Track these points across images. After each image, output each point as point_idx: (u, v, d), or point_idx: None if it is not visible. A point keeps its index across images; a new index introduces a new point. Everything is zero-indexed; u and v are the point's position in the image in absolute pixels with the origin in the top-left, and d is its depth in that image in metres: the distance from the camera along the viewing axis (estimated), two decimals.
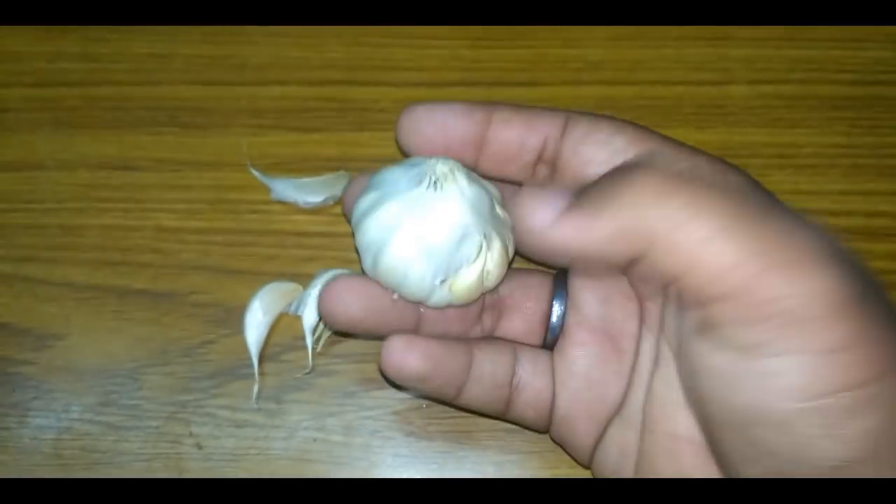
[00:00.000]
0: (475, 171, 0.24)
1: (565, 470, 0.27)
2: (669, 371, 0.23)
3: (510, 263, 0.24)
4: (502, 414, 0.25)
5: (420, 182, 0.22)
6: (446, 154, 0.23)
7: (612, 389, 0.24)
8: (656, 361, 0.23)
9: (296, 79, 0.32)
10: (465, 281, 0.23)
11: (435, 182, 0.22)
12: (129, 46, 0.32)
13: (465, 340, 0.25)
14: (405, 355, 0.23)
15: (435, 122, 0.23)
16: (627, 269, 0.20)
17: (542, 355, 0.25)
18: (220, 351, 0.29)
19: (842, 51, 0.32)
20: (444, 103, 0.23)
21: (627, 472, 0.24)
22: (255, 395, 0.28)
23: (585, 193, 0.20)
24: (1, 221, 0.30)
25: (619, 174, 0.20)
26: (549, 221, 0.20)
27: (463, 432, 0.28)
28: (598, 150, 0.23)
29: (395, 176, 0.23)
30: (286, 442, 0.28)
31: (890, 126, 0.31)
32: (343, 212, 0.26)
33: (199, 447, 0.28)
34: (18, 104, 0.31)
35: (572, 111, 0.24)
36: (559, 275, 0.26)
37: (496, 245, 0.23)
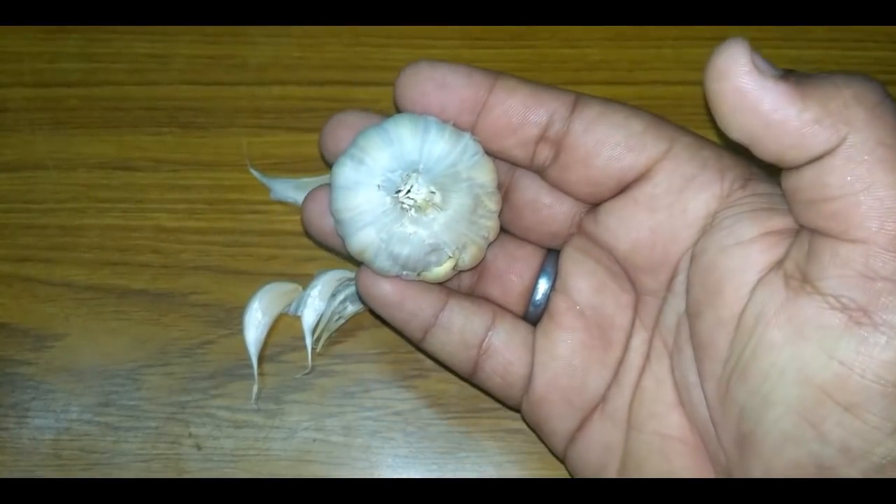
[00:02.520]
0: (473, 136, 0.23)
1: (565, 470, 0.27)
2: (662, 369, 0.23)
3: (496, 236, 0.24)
4: (469, 375, 0.25)
5: (395, 204, 0.22)
6: (443, 114, 0.22)
7: (594, 380, 0.24)
8: (647, 358, 0.23)
9: (296, 79, 0.32)
10: (435, 274, 0.23)
11: (410, 207, 0.22)
12: (129, 47, 0.32)
13: (445, 287, 0.24)
14: (378, 279, 0.23)
15: (434, 79, 0.22)
16: (789, 171, 0.19)
17: (522, 328, 0.24)
18: (220, 351, 0.29)
19: (841, 51, 0.32)
20: (448, 62, 0.22)
21: (611, 471, 0.23)
22: (254, 396, 0.28)
23: (795, 72, 0.19)
24: (0, 221, 0.30)
25: (837, 73, 0.19)
26: (763, 83, 0.18)
27: (463, 432, 0.28)
28: (613, 131, 0.22)
29: (379, 159, 0.22)
30: (286, 442, 0.28)
31: None
32: (304, 230, 0.25)
33: (199, 448, 0.28)
34: (18, 104, 0.31)
35: (582, 93, 0.23)
36: (551, 252, 0.25)
37: (470, 249, 0.23)
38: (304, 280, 0.29)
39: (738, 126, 0.19)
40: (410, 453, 0.28)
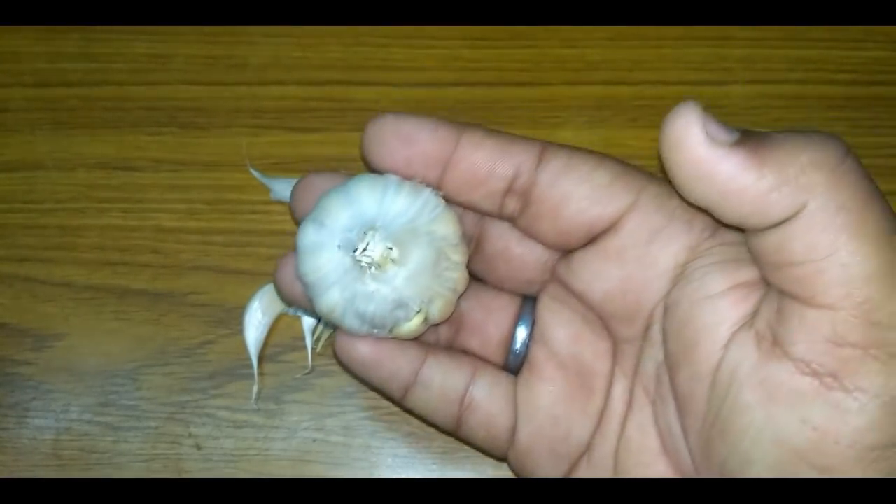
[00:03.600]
0: (440, 192, 0.22)
1: None
2: (645, 417, 0.22)
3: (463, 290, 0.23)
4: (453, 430, 0.24)
5: (354, 263, 0.22)
6: (409, 169, 0.22)
7: (577, 429, 0.23)
8: (630, 406, 0.23)
9: (295, 79, 0.32)
10: (406, 330, 0.23)
11: (369, 265, 0.22)
12: (129, 46, 0.32)
13: (422, 344, 0.24)
14: (354, 341, 0.23)
15: (399, 135, 0.22)
16: (753, 233, 0.19)
17: (503, 380, 0.24)
18: (220, 351, 0.29)
19: (841, 51, 0.32)
20: (414, 116, 0.22)
21: None
22: (254, 396, 0.28)
23: (752, 135, 0.19)
24: (0, 221, 0.30)
25: (795, 134, 0.19)
26: (718, 152, 0.18)
27: None
28: (578, 184, 0.22)
29: (339, 220, 0.22)
30: (285, 442, 0.28)
31: (890, 126, 0.31)
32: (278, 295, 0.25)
33: (199, 448, 0.28)
34: (18, 104, 0.31)
35: (548, 143, 0.22)
36: (527, 300, 0.25)
37: (437, 303, 0.22)
38: None
39: (696, 195, 0.19)
40: (410, 453, 0.28)
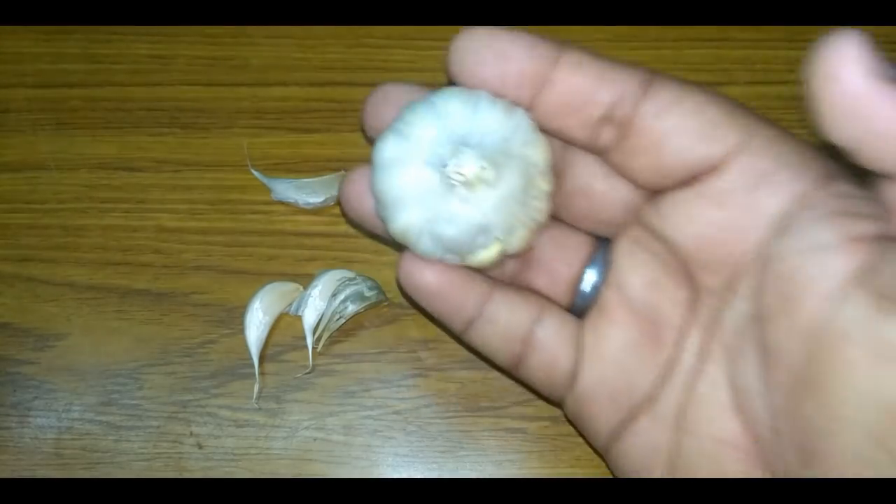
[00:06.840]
0: (529, 114, 0.21)
1: (565, 470, 0.27)
2: (718, 371, 0.21)
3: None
4: (511, 368, 0.23)
5: (443, 181, 0.20)
6: (501, 88, 0.20)
7: (643, 379, 0.22)
8: (702, 360, 0.21)
9: (296, 79, 0.32)
10: (480, 259, 0.21)
11: (460, 184, 0.20)
12: (131, 47, 0.32)
13: (489, 278, 0.23)
14: (421, 267, 0.22)
15: (494, 48, 0.20)
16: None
17: (569, 322, 0.23)
18: (221, 351, 0.29)
19: None
20: (509, 30, 0.20)
21: (657, 471, 0.22)
22: (255, 395, 0.28)
23: None
24: (2, 222, 0.30)
25: None
26: (880, 88, 0.16)
27: (463, 432, 0.28)
28: (687, 118, 0.20)
29: (426, 134, 0.20)
30: (286, 441, 0.28)
31: None
32: (342, 212, 0.24)
33: (200, 447, 0.28)
34: (20, 105, 0.31)
35: (656, 71, 0.21)
36: (601, 241, 0.24)
37: (519, 232, 0.21)
38: (305, 280, 0.29)
39: (843, 134, 0.17)
40: (411, 452, 0.28)
